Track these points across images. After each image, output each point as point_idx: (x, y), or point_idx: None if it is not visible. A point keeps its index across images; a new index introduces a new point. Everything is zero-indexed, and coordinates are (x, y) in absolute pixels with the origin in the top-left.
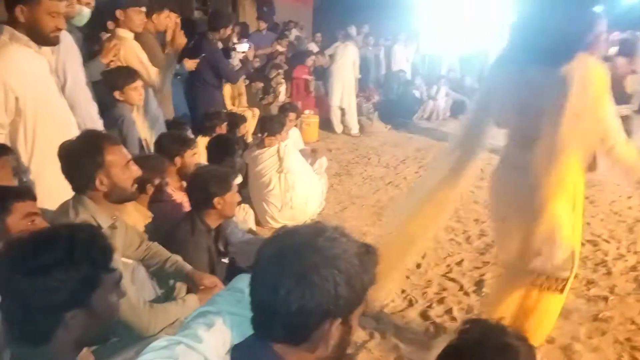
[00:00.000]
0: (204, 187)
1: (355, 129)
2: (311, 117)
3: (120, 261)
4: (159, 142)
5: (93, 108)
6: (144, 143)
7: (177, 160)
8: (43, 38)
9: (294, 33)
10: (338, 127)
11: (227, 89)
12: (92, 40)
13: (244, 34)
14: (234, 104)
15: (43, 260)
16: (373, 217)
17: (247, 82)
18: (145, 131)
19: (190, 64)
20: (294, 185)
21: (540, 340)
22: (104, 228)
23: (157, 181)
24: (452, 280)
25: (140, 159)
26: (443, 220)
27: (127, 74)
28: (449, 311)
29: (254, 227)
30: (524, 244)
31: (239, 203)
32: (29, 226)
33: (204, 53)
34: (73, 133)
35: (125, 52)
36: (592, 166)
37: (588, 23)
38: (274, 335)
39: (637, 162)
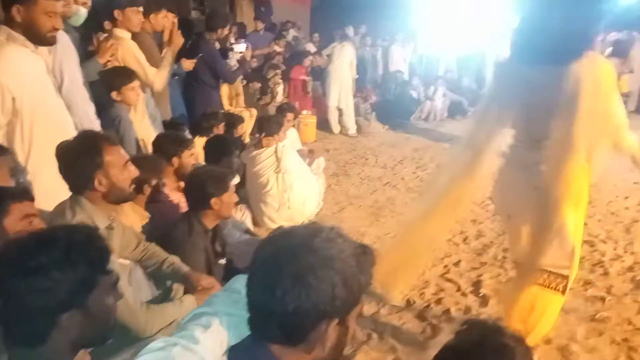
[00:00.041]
0: (201, 188)
1: (352, 129)
2: (309, 118)
3: (118, 262)
4: (156, 143)
5: (90, 108)
6: (141, 144)
7: (175, 160)
8: (40, 38)
9: (292, 33)
10: (335, 128)
11: (225, 89)
12: (89, 41)
13: (241, 34)
14: (231, 104)
15: (40, 261)
16: (371, 218)
17: (245, 82)
18: (142, 131)
19: (187, 64)
20: (291, 185)
21: (537, 340)
22: (101, 229)
23: (154, 182)
24: (450, 281)
25: (138, 160)
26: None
27: (124, 74)
28: (446, 312)
29: (251, 227)
30: (529, 241)
31: (237, 203)
32: (26, 227)
33: (202, 53)
34: (70, 133)
35: (123, 52)
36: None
37: (589, 22)
38: (271, 336)
39: None
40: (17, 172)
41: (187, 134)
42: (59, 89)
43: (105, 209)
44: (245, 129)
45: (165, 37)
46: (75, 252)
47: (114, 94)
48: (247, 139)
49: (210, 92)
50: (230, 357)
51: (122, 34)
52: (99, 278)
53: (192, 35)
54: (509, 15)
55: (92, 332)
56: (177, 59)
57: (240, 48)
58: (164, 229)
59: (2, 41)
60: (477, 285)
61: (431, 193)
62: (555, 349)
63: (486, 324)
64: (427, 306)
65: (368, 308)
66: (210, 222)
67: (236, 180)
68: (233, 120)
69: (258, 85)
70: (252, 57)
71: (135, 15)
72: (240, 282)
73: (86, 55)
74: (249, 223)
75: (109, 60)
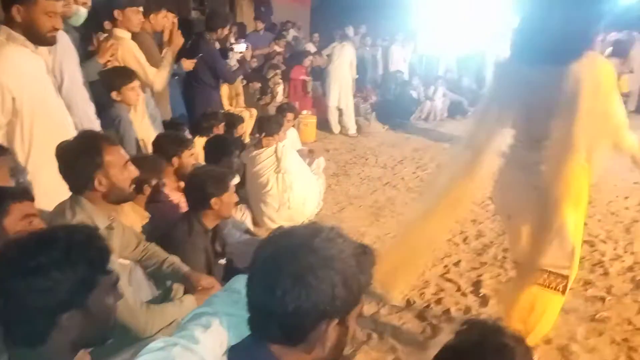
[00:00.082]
0: (201, 188)
1: (352, 129)
2: (309, 118)
3: (118, 262)
4: (156, 143)
5: (90, 108)
6: (141, 144)
7: (175, 160)
8: (40, 38)
9: (292, 33)
10: (335, 128)
11: (225, 89)
12: (89, 41)
13: (241, 34)
14: (231, 105)
15: (40, 261)
16: (371, 218)
17: (245, 82)
18: (142, 131)
19: (187, 64)
20: (291, 185)
21: (537, 340)
22: (101, 229)
23: (154, 182)
24: (450, 281)
25: (138, 160)
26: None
27: (124, 74)
28: (446, 312)
29: (251, 227)
30: (529, 241)
31: (237, 203)
32: (26, 227)
33: (202, 53)
34: (70, 133)
35: (123, 52)
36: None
37: (589, 22)
38: (271, 336)
39: None
40: (17, 172)
41: (187, 134)
42: (59, 89)
43: (105, 209)
44: (245, 129)
45: (165, 37)
46: (75, 252)
47: (114, 94)
48: (247, 139)
49: (210, 92)
50: (230, 357)
51: (122, 34)
52: (99, 278)
53: (192, 35)
54: (509, 15)
55: (92, 332)
56: (177, 59)
57: (240, 48)
58: (164, 229)
59: (2, 41)
60: (477, 285)
61: (431, 193)
62: (555, 349)
63: (486, 324)
64: (427, 306)
65: (368, 308)
66: (210, 222)
67: (236, 180)
68: (233, 120)
69: (258, 85)
70: (252, 57)
71: (135, 15)
72: (240, 282)
73: (86, 55)
74: (249, 223)
75: (109, 60)
